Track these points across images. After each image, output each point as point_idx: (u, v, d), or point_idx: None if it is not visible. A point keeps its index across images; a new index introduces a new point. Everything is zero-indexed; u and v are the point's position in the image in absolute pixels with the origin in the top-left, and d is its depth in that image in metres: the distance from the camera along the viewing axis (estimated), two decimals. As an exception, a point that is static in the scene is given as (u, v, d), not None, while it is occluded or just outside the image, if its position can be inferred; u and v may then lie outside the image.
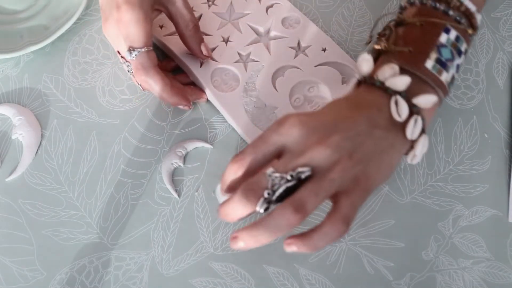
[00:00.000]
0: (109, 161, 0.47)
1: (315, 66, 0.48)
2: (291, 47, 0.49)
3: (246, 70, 0.48)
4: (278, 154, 0.34)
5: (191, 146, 0.47)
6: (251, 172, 0.34)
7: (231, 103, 0.47)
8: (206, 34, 0.50)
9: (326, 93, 0.47)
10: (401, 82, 0.34)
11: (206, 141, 0.47)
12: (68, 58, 0.50)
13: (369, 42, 0.41)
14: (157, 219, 0.45)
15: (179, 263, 0.44)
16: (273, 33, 0.50)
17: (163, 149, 0.47)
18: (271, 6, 0.51)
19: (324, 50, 0.49)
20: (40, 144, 0.47)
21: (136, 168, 0.46)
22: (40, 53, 0.50)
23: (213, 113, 0.48)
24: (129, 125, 0.48)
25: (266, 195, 0.32)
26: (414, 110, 0.35)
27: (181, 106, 0.46)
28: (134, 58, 0.42)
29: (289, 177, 0.32)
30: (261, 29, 0.50)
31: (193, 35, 0.46)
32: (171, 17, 0.45)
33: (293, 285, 0.43)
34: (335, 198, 0.34)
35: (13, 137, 0.47)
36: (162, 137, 0.47)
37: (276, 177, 0.32)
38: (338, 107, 0.36)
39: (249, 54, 0.49)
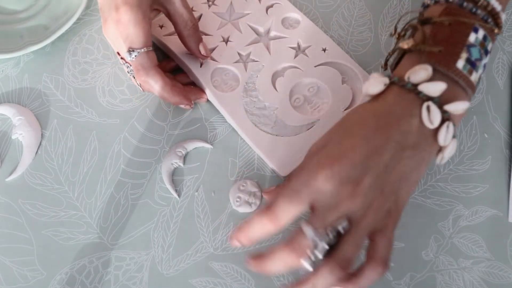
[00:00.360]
0: (109, 161, 0.47)
1: (315, 66, 0.48)
2: (291, 47, 0.49)
3: (246, 70, 0.48)
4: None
5: (191, 146, 0.47)
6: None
7: (231, 103, 0.47)
8: (206, 34, 0.50)
9: (326, 93, 0.47)
10: (436, 88, 0.34)
11: (206, 141, 0.47)
12: (68, 58, 0.50)
13: (394, 33, 0.40)
14: (157, 219, 0.45)
15: (179, 263, 0.44)
16: (273, 33, 0.50)
17: (163, 149, 0.47)
18: (271, 6, 0.51)
19: (324, 50, 0.49)
20: (40, 144, 0.47)
21: (136, 168, 0.46)
22: (40, 53, 0.50)
23: (213, 113, 0.48)
24: (129, 125, 0.48)
25: (311, 255, 0.33)
26: (445, 116, 0.34)
27: (182, 106, 0.46)
28: (133, 59, 0.42)
29: (331, 236, 0.33)
30: (261, 29, 0.50)
31: (192, 35, 0.45)
32: (169, 16, 0.45)
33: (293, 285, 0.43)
34: (371, 236, 0.35)
35: (13, 137, 0.47)
36: (162, 137, 0.47)
37: (317, 236, 0.33)
38: (366, 129, 0.34)
39: (249, 54, 0.49)
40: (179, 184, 0.46)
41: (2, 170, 0.47)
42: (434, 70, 0.35)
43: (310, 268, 0.33)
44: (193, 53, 0.47)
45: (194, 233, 0.45)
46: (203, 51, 0.46)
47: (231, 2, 0.51)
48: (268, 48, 0.49)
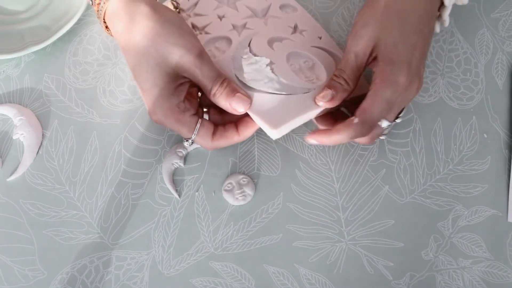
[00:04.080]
0: (109, 161, 0.47)
1: (311, 46, 0.47)
2: (288, 26, 0.48)
3: (239, 36, 0.45)
4: None
5: (192, 146, 0.47)
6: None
7: (222, 67, 0.43)
8: (201, 15, 0.48)
9: (321, 72, 0.45)
10: None
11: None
12: (69, 59, 0.51)
13: None
14: (158, 219, 0.45)
15: (179, 262, 0.44)
16: (271, 13, 0.48)
17: (164, 149, 0.47)
18: None
19: (320, 38, 0.48)
20: (41, 144, 0.47)
21: (137, 168, 0.47)
22: (41, 54, 0.51)
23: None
24: (129, 125, 0.48)
25: (382, 137, 0.45)
26: None
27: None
28: (189, 146, 0.43)
29: (398, 121, 0.42)
30: (259, 9, 0.49)
31: (219, 98, 0.41)
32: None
33: (293, 285, 0.43)
34: None
35: (14, 137, 0.48)
36: (163, 137, 0.48)
37: (390, 125, 0.41)
38: (407, 26, 0.40)
39: (244, 25, 0.46)
40: (179, 184, 0.46)
41: (3, 170, 0.47)
42: None
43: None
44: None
45: (195, 233, 0.45)
46: (240, 109, 0.40)
47: None
48: (265, 23, 0.48)
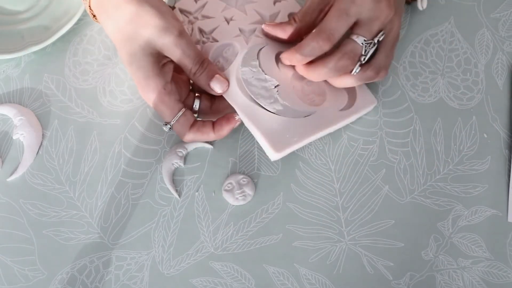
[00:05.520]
0: (109, 161, 0.47)
1: None
2: None
3: (247, 44, 0.45)
4: None
5: (192, 146, 0.47)
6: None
7: (229, 77, 0.43)
8: (208, 17, 0.47)
9: (322, 90, 0.45)
10: None
11: (206, 141, 0.47)
12: (69, 59, 0.51)
13: None
14: (158, 219, 0.45)
15: (179, 262, 0.44)
16: (279, 21, 0.47)
17: (164, 149, 0.47)
18: (279, 0, 0.49)
19: None
20: (41, 144, 0.47)
21: (137, 168, 0.47)
22: (41, 54, 0.51)
23: (213, 114, 0.48)
24: (129, 125, 0.48)
25: (363, 60, 0.41)
26: None
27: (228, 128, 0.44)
28: (168, 131, 0.43)
29: (376, 42, 0.41)
30: (267, 14, 0.48)
31: (198, 78, 0.42)
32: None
33: (293, 285, 0.43)
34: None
35: (14, 137, 0.48)
36: (163, 137, 0.48)
37: (368, 43, 0.40)
38: None
39: (253, 30, 0.46)
40: (179, 184, 0.46)
41: (3, 170, 0.47)
42: None
43: (357, 71, 0.41)
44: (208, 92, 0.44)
45: (195, 233, 0.45)
46: (217, 89, 0.42)
47: None
48: None
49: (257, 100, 0.42)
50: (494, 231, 0.45)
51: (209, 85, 0.42)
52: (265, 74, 0.43)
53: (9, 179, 0.46)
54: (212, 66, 0.42)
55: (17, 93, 0.49)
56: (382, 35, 0.41)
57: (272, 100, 0.43)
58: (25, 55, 0.51)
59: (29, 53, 0.49)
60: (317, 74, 0.42)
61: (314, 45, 0.40)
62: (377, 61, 0.42)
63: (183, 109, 0.42)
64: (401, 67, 0.50)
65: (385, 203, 0.45)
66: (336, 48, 0.41)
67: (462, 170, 0.46)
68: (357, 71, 0.41)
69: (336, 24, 0.40)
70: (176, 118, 0.42)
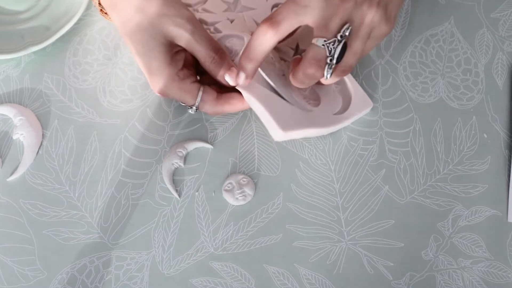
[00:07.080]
0: (109, 161, 0.47)
1: None
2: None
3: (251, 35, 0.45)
4: None
5: (192, 146, 0.47)
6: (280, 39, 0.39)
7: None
8: (210, 12, 0.48)
9: (315, 94, 0.47)
10: None
11: (206, 141, 0.47)
12: (69, 59, 0.51)
13: None
14: (158, 219, 0.45)
15: (179, 262, 0.44)
16: None
17: (164, 149, 0.47)
18: (277, 5, 0.49)
19: None
20: (41, 144, 0.47)
21: (137, 168, 0.47)
22: (41, 54, 0.51)
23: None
24: (129, 125, 0.48)
25: (329, 61, 0.38)
26: None
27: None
28: (194, 112, 0.44)
29: (339, 38, 0.38)
30: None
31: (214, 69, 0.42)
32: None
33: (293, 285, 0.43)
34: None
35: (14, 137, 0.48)
36: (163, 137, 0.48)
37: (330, 43, 0.37)
38: None
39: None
40: (179, 184, 0.46)
41: (3, 170, 0.47)
42: None
43: (328, 75, 0.39)
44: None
45: (195, 233, 0.45)
46: (231, 82, 0.42)
47: None
48: None
49: (274, 85, 0.43)
50: (494, 231, 0.45)
51: (222, 76, 0.42)
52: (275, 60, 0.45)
53: (9, 179, 0.46)
54: (227, 56, 0.42)
55: (17, 93, 0.49)
56: (347, 29, 0.38)
57: (278, 78, 0.44)
58: (25, 55, 0.51)
59: (29, 53, 0.49)
60: (297, 84, 0.41)
61: (259, 34, 0.39)
62: (344, 59, 0.39)
63: (201, 87, 0.42)
64: (401, 67, 0.50)
65: (385, 203, 0.45)
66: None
67: (462, 170, 0.46)
68: (329, 76, 0.39)
69: (285, 13, 0.38)
70: (199, 98, 0.42)
